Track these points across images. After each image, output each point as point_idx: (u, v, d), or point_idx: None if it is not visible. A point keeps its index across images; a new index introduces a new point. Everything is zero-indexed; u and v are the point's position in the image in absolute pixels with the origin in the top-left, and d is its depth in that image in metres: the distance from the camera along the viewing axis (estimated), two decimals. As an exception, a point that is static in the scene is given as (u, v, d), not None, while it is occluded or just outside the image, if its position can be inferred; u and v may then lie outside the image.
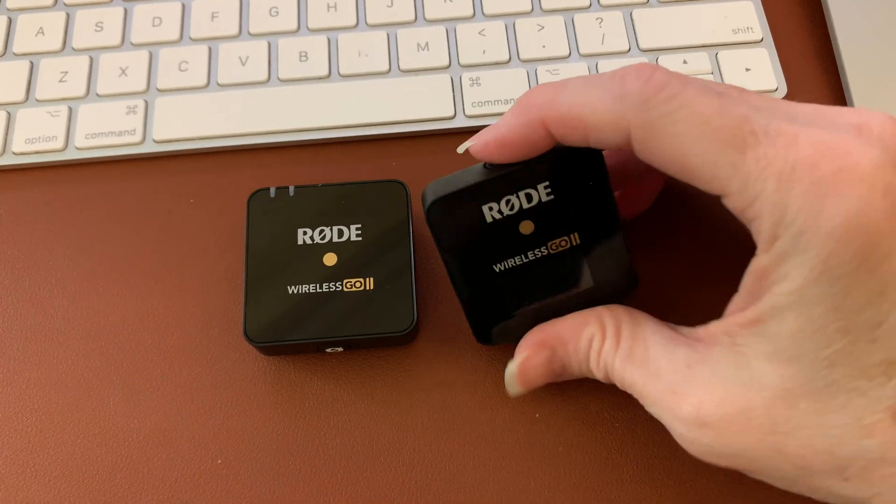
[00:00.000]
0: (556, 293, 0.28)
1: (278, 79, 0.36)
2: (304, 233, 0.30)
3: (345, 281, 0.29)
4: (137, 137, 0.35)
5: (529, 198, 0.26)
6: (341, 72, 0.36)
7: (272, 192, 0.31)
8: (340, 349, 0.30)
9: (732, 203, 0.21)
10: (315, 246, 0.30)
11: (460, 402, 0.30)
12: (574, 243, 0.27)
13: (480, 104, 0.35)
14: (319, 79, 0.36)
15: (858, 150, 0.20)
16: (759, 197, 0.20)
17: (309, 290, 0.29)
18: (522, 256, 0.27)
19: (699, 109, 0.21)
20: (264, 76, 0.36)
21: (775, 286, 0.21)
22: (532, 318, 0.28)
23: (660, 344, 0.24)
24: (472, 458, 0.29)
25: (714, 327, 0.23)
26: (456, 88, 0.36)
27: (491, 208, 0.26)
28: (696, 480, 0.29)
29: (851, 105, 0.34)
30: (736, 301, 0.23)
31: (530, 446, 0.29)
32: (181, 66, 0.36)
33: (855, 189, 0.19)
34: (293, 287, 0.29)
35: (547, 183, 0.26)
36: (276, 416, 0.30)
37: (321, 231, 0.30)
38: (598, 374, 0.26)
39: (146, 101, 0.36)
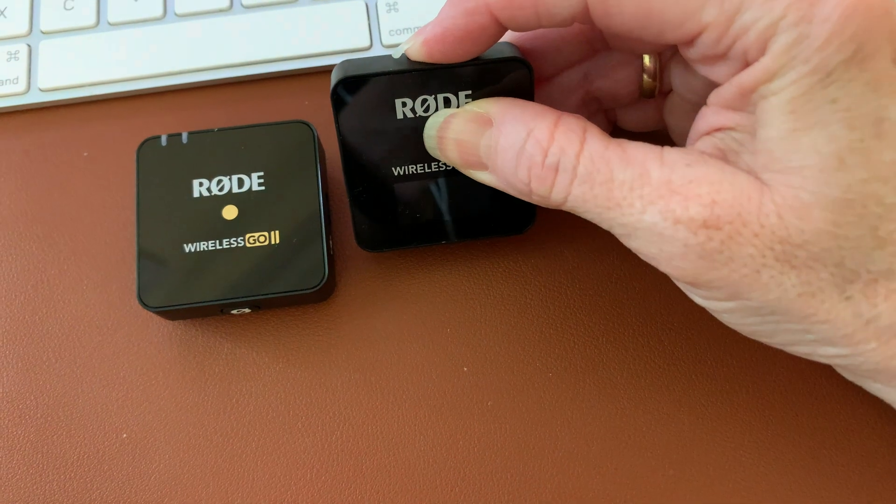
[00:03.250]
0: (455, 212, 0.26)
1: (175, 14, 0.32)
2: (200, 184, 0.27)
3: (247, 235, 0.27)
4: (21, 87, 0.32)
5: (448, 102, 0.24)
6: (244, 2, 0.32)
7: (163, 140, 0.28)
8: (248, 310, 0.28)
9: (710, 36, 0.19)
10: (212, 198, 0.27)
11: (383, 359, 0.28)
12: None
13: (399, 32, 0.32)
14: (220, 11, 0.32)
15: None
16: (741, 8, 0.19)
17: (207, 247, 0.27)
18: (426, 166, 0.25)
19: None
20: (159, 12, 0.33)
21: (764, 87, 0.19)
22: (421, 231, 0.26)
23: (641, 147, 0.21)
24: (399, 416, 0.27)
25: (700, 144, 0.21)
26: (371, 15, 0.32)
27: (405, 104, 0.24)
28: (641, 431, 0.27)
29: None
30: (706, 115, 0.21)
31: (458, 401, 0.27)
32: (66, 5, 0.33)
33: None
34: (190, 245, 0.27)
35: (469, 92, 0.23)
36: (183, 384, 0.28)
37: (219, 181, 0.27)
38: (535, 183, 0.22)
39: (29, 46, 0.32)
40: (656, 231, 0.20)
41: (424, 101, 0.23)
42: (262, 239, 0.27)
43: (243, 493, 0.26)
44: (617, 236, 0.22)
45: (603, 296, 0.28)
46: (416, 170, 0.25)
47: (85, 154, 0.31)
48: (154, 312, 0.26)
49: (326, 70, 0.32)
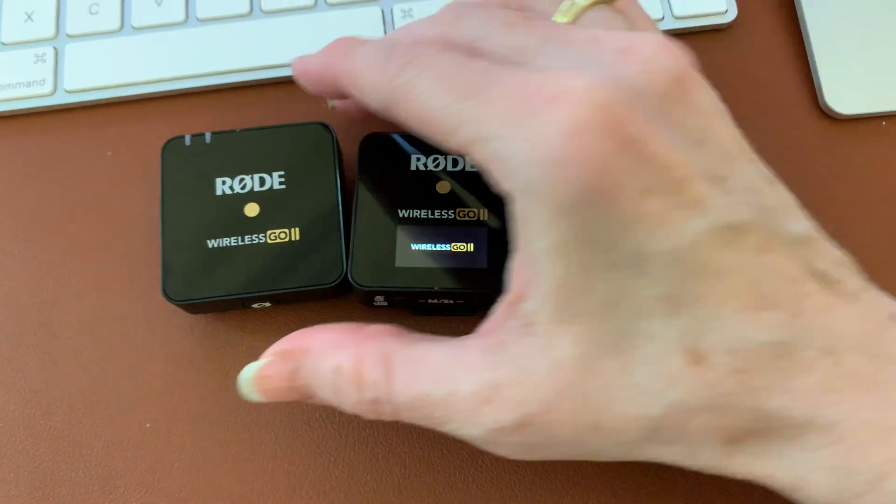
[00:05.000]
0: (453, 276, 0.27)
1: (196, 19, 0.33)
2: (223, 182, 0.28)
3: (268, 232, 0.28)
4: (48, 88, 0.33)
5: (455, 163, 0.28)
6: (263, 8, 0.34)
7: (187, 139, 0.29)
8: (268, 304, 0.28)
9: (475, 156, 0.20)
10: (235, 196, 0.28)
11: (398, 354, 0.29)
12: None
13: (413, 38, 0.33)
14: (241, 16, 0.33)
15: (576, 76, 0.18)
16: (490, 141, 0.19)
17: (230, 243, 0.28)
18: (429, 213, 0.27)
19: (441, 68, 0.20)
20: (181, 17, 0.34)
21: (528, 244, 0.19)
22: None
23: (447, 356, 0.21)
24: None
25: (496, 317, 0.21)
26: (387, 21, 0.33)
27: (418, 160, 0.28)
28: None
29: (805, 28, 0.33)
30: (514, 279, 0.21)
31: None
32: (92, 9, 0.34)
33: (566, 112, 0.17)
34: (213, 241, 0.28)
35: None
36: (205, 376, 0.29)
37: (241, 180, 0.28)
38: (359, 408, 0.22)
39: (56, 49, 0.33)
40: (481, 440, 0.21)
41: (436, 158, 0.28)
42: (282, 236, 0.28)
43: (263, 482, 0.27)
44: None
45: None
46: (420, 215, 0.27)
47: (109, 153, 0.32)
48: (177, 305, 0.27)
49: (343, 74, 0.33)
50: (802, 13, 0.33)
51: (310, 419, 0.28)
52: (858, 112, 0.31)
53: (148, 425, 0.28)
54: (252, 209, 0.28)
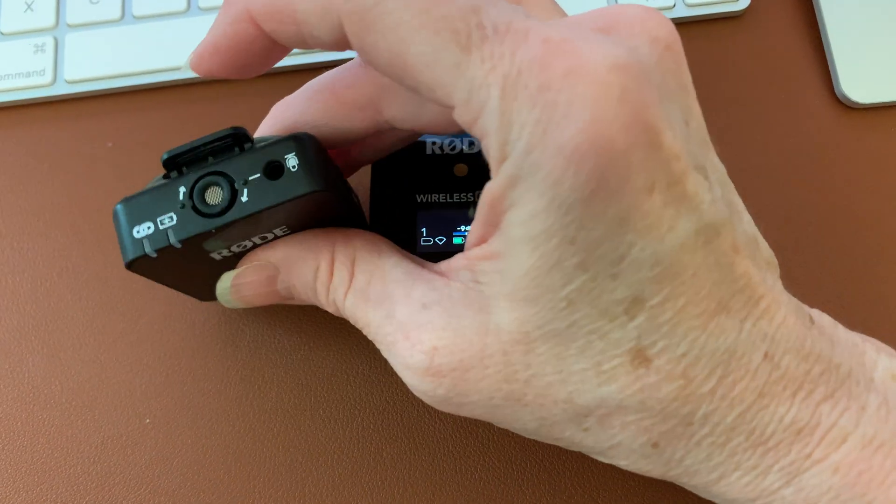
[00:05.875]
0: None
1: (198, 7, 0.33)
2: None
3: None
4: (48, 78, 0.32)
5: (471, 145, 0.27)
6: (266, -3, 0.33)
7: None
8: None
9: (460, 116, 0.17)
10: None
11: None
12: None
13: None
14: (243, 6, 0.33)
15: (591, 49, 0.16)
16: (485, 108, 0.17)
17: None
18: (448, 196, 0.26)
19: None
20: (183, 6, 0.33)
21: (507, 216, 0.18)
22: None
23: (399, 280, 0.21)
24: (419, 402, 0.27)
25: (457, 261, 0.20)
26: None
27: (434, 143, 0.27)
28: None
29: (820, 15, 0.32)
30: (474, 231, 0.20)
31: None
32: (92, -1, 0.33)
33: (584, 96, 0.16)
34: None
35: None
36: (206, 370, 0.28)
37: None
38: (330, 309, 0.23)
39: (55, 39, 0.33)
40: (398, 368, 0.21)
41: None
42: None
43: (264, 477, 0.27)
44: None
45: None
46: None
47: (109, 144, 0.32)
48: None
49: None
50: (818, 0, 0.32)
51: (312, 415, 0.27)
52: (875, 101, 0.31)
53: (148, 421, 0.28)
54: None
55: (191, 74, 0.32)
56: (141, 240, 0.21)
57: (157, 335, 0.29)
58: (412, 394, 0.27)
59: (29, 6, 0.33)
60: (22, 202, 0.31)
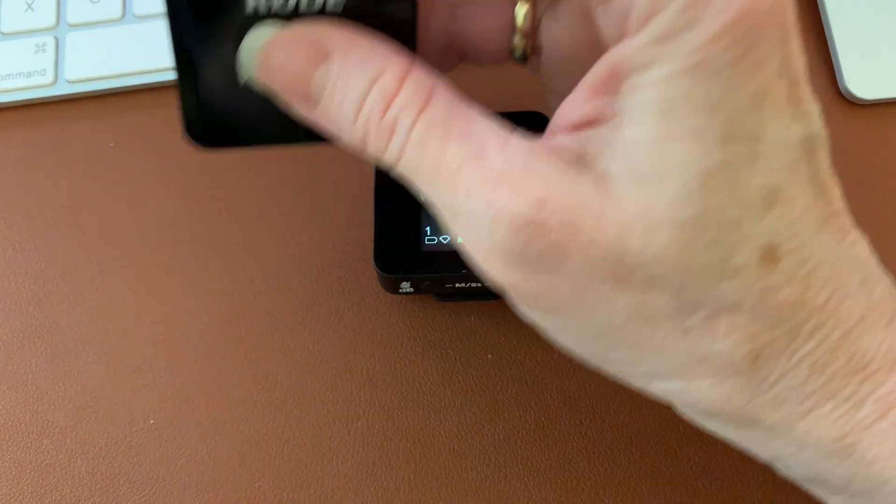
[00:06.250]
0: None
1: (199, 7, 0.33)
2: None
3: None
4: (49, 78, 0.32)
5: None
6: (267, -4, 0.33)
7: None
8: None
9: None
10: None
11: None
12: None
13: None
14: (244, 4, 0.33)
15: None
16: None
17: None
18: None
19: None
20: (184, 4, 0.33)
21: (632, 79, 0.16)
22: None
23: (490, 128, 0.18)
24: (411, 407, 0.27)
25: (560, 139, 0.18)
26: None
27: None
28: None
29: (824, 11, 0.32)
30: (571, 105, 0.18)
31: (487, 385, 0.28)
32: (93, -2, 0.33)
33: None
34: None
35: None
36: (209, 371, 0.28)
37: None
38: (368, 141, 0.18)
39: (56, 38, 0.33)
40: (476, 220, 0.17)
41: None
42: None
43: (269, 478, 0.27)
44: (442, 221, 0.19)
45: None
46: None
47: (111, 144, 0.32)
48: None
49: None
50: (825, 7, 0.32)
51: (317, 416, 0.27)
52: (879, 97, 0.31)
53: (151, 422, 0.28)
54: None
55: (192, 74, 0.32)
56: None
57: (158, 337, 0.29)
58: (417, 394, 0.27)
59: (29, 6, 0.33)
60: (24, 203, 0.31)
